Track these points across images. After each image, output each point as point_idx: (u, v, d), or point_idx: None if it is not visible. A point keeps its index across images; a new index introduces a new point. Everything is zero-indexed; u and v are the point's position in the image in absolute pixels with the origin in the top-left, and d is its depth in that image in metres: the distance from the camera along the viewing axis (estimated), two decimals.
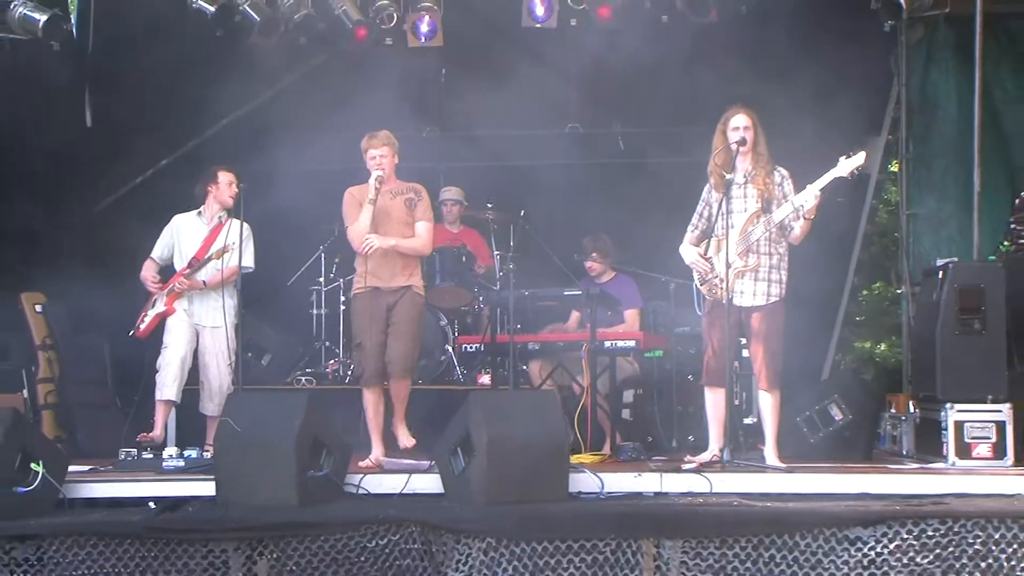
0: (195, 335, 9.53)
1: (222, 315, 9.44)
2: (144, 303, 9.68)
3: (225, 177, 9.62)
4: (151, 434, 9.37)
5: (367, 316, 8.76)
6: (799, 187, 8.43)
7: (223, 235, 9.47)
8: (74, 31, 11.93)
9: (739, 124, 8.49)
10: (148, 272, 9.62)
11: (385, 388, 8.92)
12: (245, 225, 9.42)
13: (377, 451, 8.78)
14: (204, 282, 9.47)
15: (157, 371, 9.49)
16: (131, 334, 9.72)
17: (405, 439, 8.85)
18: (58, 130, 11.29)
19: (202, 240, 9.59)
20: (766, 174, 8.47)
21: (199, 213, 9.72)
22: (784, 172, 8.52)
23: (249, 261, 9.42)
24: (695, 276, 8.67)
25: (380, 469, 8.54)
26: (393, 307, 8.78)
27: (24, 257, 10.47)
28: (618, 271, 10.36)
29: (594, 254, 10.35)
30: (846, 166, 8.30)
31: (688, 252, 8.66)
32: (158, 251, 9.71)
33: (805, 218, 8.31)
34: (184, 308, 9.53)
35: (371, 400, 8.85)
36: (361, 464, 8.59)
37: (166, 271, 9.71)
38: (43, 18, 10.54)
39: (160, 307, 9.54)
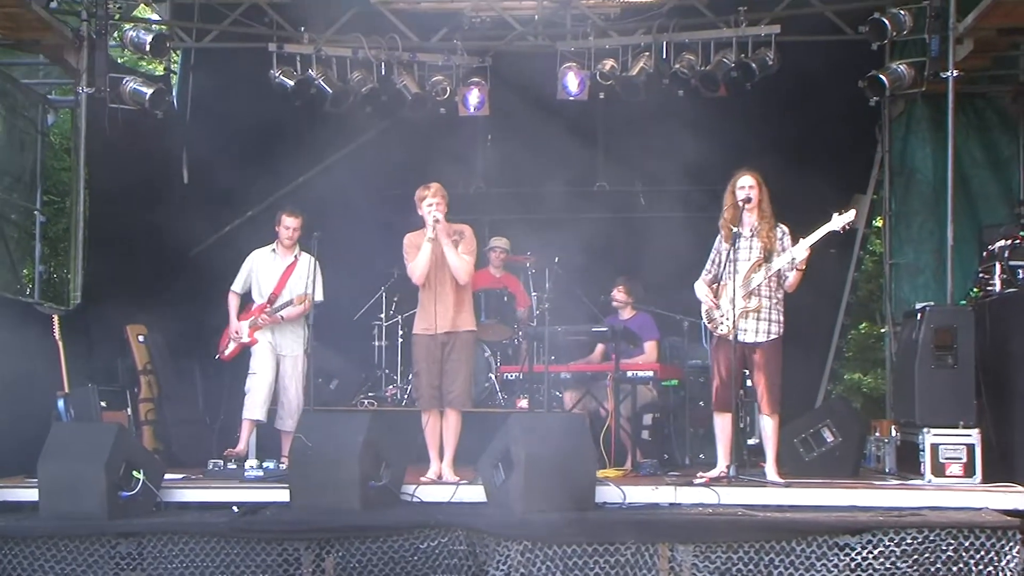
0: (278, 362, 9.54)
1: (301, 345, 9.48)
2: (225, 328, 9.70)
3: (286, 220, 9.52)
4: (236, 449, 9.37)
5: (425, 352, 8.63)
6: (796, 241, 8.43)
7: (298, 273, 9.47)
8: (175, 102, 12.11)
9: (745, 184, 8.48)
10: (233, 307, 9.63)
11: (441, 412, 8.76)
12: (315, 262, 9.41)
13: (435, 465, 8.67)
14: (282, 317, 9.50)
15: (247, 393, 9.46)
16: (216, 358, 9.76)
17: (449, 475, 8.58)
18: (160, 185, 11.42)
19: (279, 276, 9.58)
20: (770, 228, 8.45)
21: (273, 249, 9.68)
22: (785, 228, 8.49)
23: (320, 295, 9.44)
24: (703, 313, 8.65)
25: (437, 482, 8.50)
26: (448, 347, 8.61)
27: (130, 294, 10.53)
28: (638, 310, 10.33)
29: (621, 287, 10.31)
30: (839, 221, 8.27)
31: (700, 288, 8.64)
32: (239, 284, 9.65)
33: (797, 269, 8.31)
34: (269, 340, 9.53)
35: (428, 421, 8.71)
36: (422, 479, 8.50)
37: (243, 297, 9.73)
38: (149, 91, 10.72)
39: (244, 338, 9.54)
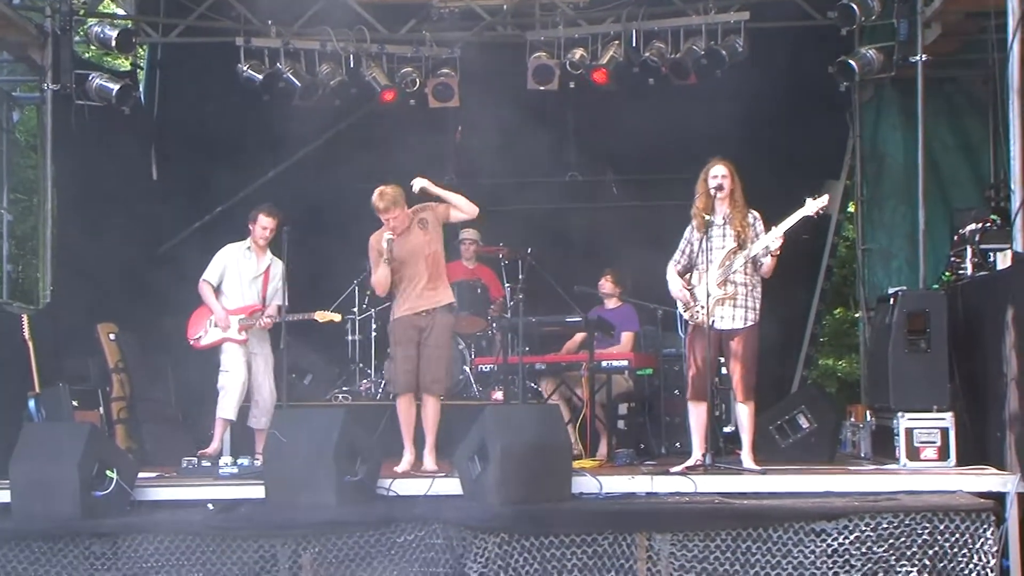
0: (249, 360, 9.49)
1: (268, 344, 9.50)
2: (192, 314, 9.60)
3: (263, 220, 9.44)
4: (209, 449, 9.32)
5: (401, 335, 8.63)
6: (769, 224, 8.46)
7: (272, 276, 9.48)
8: (142, 98, 12.06)
9: (717, 173, 8.49)
10: (212, 296, 9.47)
11: (417, 404, 8.76)
12: (281, 264, 9.47)
13: (409, 455, 8.65)
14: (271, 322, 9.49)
15: (220, 391, 9.40)
16: (192, 344, 9.68)
17: (430, 463, 8.60)
18: (128, 182, 11.37)
19: (260, 280, 9.54)
20: (742, 216, 8.46)
21: (248, 247, 9.60)
22: (756, 214, 8.52)
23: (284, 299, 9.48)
24: (679, 304, 8.67)
25: (411, 475, 8.46)
26: (426, 330, 8.61)
27: (100, 292, 10.50)
28: (624, 302, 10.35)
29: (608, 277, 10.32)
30: (812, 206, 8.30)
31: (674, 284, 8.66)
32: (214, 277, 9.51)
33: (772, 255, 8.35)
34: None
35: (403, 407, 8.68)
36: (396, 468, 8.49)
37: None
38: (116, 87, 10.70)
39: (234, 335, 9.41)
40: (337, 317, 9.65)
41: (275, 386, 9.44)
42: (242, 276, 9.55)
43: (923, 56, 9.78)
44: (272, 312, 9.45)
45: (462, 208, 8.73)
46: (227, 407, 9.40)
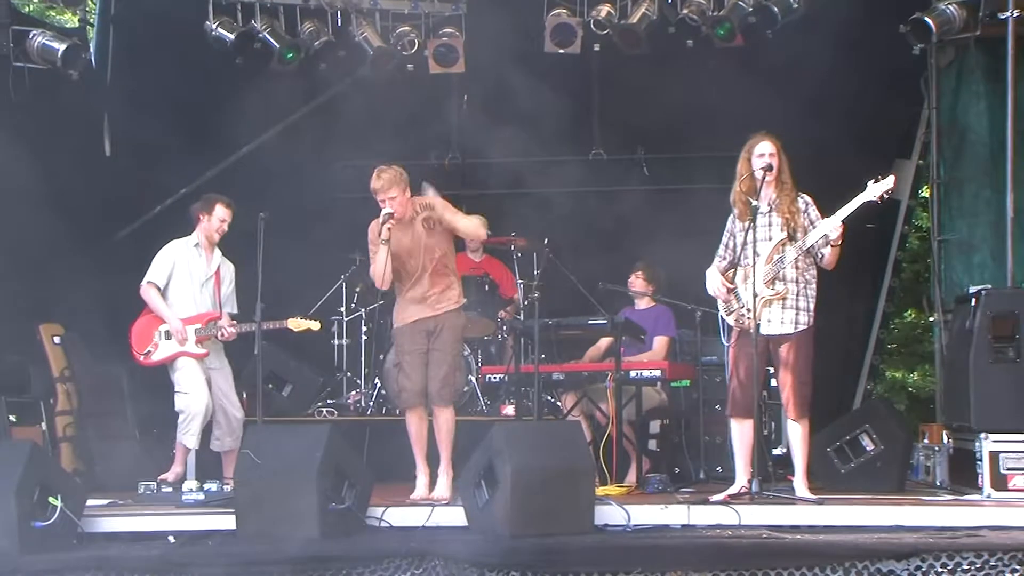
0: (209, 378, 9.49)
1: (223, 356, 9.54)
2: (142, 324, 9.60)
3: (220, 211, 9.49)
4: (170, 474, 9.33)
5: (408, 343, 8.74)
6: (826, 212, 8.40)
7: (224, 278, 9.51)
8: (93, 60, 12.01)
9: (764, 151, 8.45)
10: (160, 301, 9.47)
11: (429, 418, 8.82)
12: (232, 266, 9.58)
13: (424, 478, 8.70)
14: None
15: (181, 414, 9.40)
16: (140, 360, 9.65)
17: (444, 490, 8.62)
18: (77, 159, 11.33)
19: (212, 283, 9.58)
20: (791, 201, 8.44)
21: (196, 244, 9.61)
22: (808, 198, 8.48)
23: (236, 307, 9.55)
24: (720, 306, 8.63)
25: (404, 503, 8.45)
26: (434, 333, 8.71)
27: (43, 288, 10.48)
28: (658, 302, 10.32)
29: (640, 273, 10.31)
30: (875, 190, 8.28)
31: (713, 279, 8.62)
32: (162, 278, 9.53)
33: (832, 245, 8.29)
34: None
35: (413, 422, 8.76)
36: (411, 496, 8.55)
37: None
38: (62, 47, 10.61)
39: (191, 348, 9.42)
40: (315, 325, 9.65)
41: (248, 399, 9.43)
42: (193, 278, 9.55)
43: (1015, 11, 9.70)
44: (231, 320, 9.43)
45: (468, 234, 9.17)
46: (190, 435, 9.39)
